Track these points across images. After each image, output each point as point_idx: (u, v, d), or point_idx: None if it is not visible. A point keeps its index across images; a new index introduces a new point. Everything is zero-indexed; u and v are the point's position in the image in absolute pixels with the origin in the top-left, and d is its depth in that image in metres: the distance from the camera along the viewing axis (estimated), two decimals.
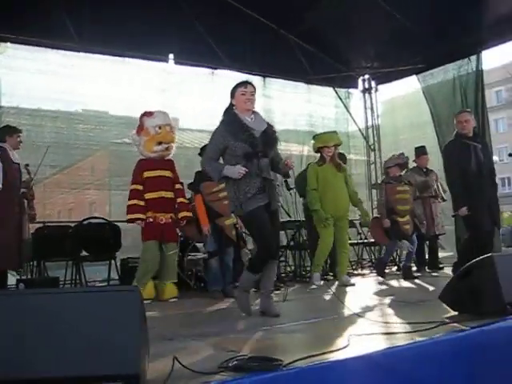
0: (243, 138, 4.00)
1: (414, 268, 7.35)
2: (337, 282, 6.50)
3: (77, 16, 6.95)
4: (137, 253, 5.93)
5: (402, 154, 7.14)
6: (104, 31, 7.09)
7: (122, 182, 7.21)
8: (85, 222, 6.73)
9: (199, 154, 5.68)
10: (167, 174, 5.61)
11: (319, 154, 6.51)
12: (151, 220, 5.48)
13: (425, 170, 7.85)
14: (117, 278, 6.65)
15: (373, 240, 8.08)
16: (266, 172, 4.08)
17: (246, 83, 4.18)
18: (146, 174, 5.52)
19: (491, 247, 5.45)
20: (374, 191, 9.72)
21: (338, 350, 2.66)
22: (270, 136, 4.16)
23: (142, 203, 5.49)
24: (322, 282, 6.37)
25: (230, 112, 4.17)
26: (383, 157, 9.60)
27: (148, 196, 5.50)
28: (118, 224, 6.77)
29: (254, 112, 4.19)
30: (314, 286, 6.14)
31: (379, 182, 8.89)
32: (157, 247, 5.50)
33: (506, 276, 3.44)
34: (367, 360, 2.52)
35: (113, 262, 6.57)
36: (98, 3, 6.84)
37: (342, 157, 7.57)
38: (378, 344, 2.82)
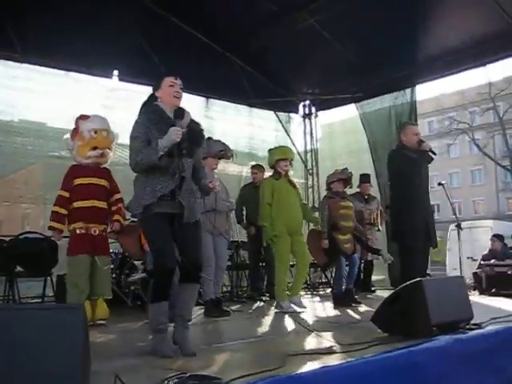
0: (167, 131, 3.40)
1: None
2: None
3: (21, 28, 6.81)
4: None
5: (346, 169, 6.89)
6: (48, 44, 6.96)
7: None
8: (21, 237, 6.55)
9: None
10: (102, 182, 5.20)
11: (273, 170, 6.24)
12: (83, 231, 5.02)
13: (366, 196, 8.13)
14: (51, 294, 6.47)
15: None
16: (186, 173, 3.53)
17: (175, 74, 3.61)
18: (77, 181, 5.10)
19: (425, 268, 5.44)
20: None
21: (274, 369, 2.77)
22: (195, 132, 3.59)
23: (63, 211, 5.09)
24: (292, 306, 5.92)
25: (151, 104, 3.62)
26: (321, 181, 9.80)
27: (78, 204, 5.06)
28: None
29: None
30: (291, 309, 5.80)
31: (316, 205, 9.00)
32: (88, 262, 5.01)
33: (433, 299, 3.68)
34: (300, 380, 2.62)
35: (48, 278, 6.41)
36: (42, 16, 6.74)
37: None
38: (312, 364, 2.94)
